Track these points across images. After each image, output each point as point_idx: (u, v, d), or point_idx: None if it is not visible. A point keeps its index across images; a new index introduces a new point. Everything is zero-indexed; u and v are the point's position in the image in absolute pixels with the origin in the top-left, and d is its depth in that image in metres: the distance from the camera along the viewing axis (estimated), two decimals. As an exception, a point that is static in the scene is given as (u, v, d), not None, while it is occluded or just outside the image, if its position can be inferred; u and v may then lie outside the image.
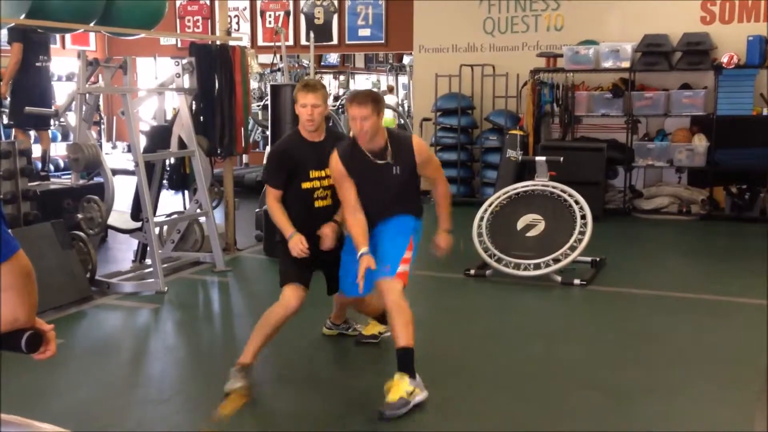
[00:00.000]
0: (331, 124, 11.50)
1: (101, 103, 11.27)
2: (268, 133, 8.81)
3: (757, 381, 3.51)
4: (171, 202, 7.08)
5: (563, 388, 3.56)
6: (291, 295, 3.47)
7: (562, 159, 5.98)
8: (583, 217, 5.50)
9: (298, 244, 3.41)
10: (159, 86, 6.06)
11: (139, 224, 5.48)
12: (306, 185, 3.53)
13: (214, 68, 6.08)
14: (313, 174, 3.54)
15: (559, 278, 5.38)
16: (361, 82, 15.32)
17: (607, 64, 8.17)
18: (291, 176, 3.51)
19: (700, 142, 7.96)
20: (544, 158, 5.99)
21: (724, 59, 7.65)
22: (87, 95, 5.19)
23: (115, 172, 6.49)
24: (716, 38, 7.96)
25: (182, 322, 4.77)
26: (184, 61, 5.82)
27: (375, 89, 14.72)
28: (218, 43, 6.25)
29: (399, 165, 3.42)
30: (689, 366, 3.82)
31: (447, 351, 4.16)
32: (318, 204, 3.57)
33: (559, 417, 3.25)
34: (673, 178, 8.47)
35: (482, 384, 3.65)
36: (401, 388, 3.20)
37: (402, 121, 13.62)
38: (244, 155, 10.62)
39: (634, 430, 3.13)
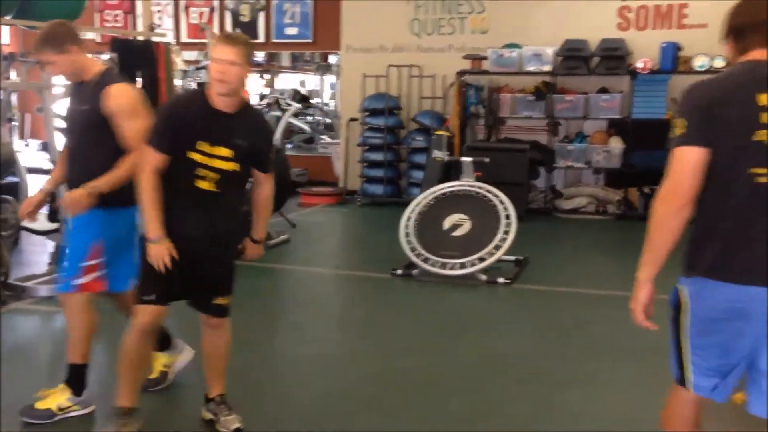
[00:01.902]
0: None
1: (13, 99, 10.81)
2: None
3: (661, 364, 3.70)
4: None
5: (492, 380, 3.66)
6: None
7: (488, 160, 6.12)
8: (508, 216, 5.63)
9: (162, 255, 2.76)
10: (78, 82, 5.85)
11: (56, 225, 5.28)
12: (192, 156, 2.76)
13: (137, 64, 5.93)
14: (203, 147, 2.77)
15: (484, 277, 5.49)
16: (287, 80, 15.20)
17: (530, 68, 8.39)
18: (176, 145, 2.76)
19: (617, 145, 8.28)
20: (470, 159, 6.10)
21: (639, 65, 7.98)
22: (2, 91, 4.97)
23: (29, 171, 6.25)
24: (632, 44, 8.29)
25: (103, 326, 4.61)
26: (106, 56, 5.65)
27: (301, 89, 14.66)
28: (141, 39, 6.09)
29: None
30: (608, 356, 3.99)
31: (376, 349, 4.20)
32: (200, 185, 2.79)
33: (489, 408, 3.34)
34: (591, 179, 8.77)
35: (413, 380, 3.70)
36: (56, 399, 3.14)
37: (329, 121, 13.62)
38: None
39: (562, 416, 3.24)
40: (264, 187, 3.03)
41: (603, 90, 8.44)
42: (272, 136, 3.10)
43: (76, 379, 3.21)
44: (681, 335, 2.19)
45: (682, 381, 2.21)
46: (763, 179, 1.97)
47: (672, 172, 2.03)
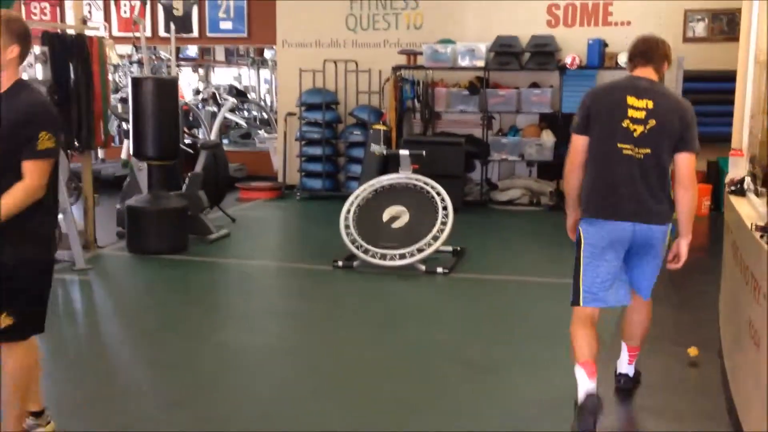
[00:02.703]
0: (191, 117, 11.33)
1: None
2: (127, 126, 8.52)
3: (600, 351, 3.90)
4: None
5: (433, 365, 3.79)
6: None
7: (424, 153, 6.26)
8: (445, 208, 5.79)
9: None
10: (8, 76, 5.71)
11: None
12: None
13: (69, 58, 5.84)
14: None
15: (423, 267, 5.64)
16: (222, 75, 15.06)
17: (464, 63, 8.58)
18: None
19: (548, 138, 8.56)
20: (407, 152, 6.23)
21: (568, 60, 8.27)
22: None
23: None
24: (561, 41, 8.57)
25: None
26: (37, 50, 5.54)
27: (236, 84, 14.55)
28: (73, 32, 5.99)
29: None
30: (541, 340, 4.18)
31: (320, 339, 4.29)
32: None
33: (429, 391, 3.48)
34: (525, 172, 9.04)
35: (355, 367, 3.80)
36: None
37: (265, 116, 13.57)
38: (99, 150, 10.20)
39: (497, 396, 3.40)
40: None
41: (534, 85, 8.71)
42: (38, 119, 2.55)
43: None
44: (580, 263, 3.10)
45: (577, 302, 3.13)
46: (627, 152, 3.03)
47: (570, 150, 3.18)
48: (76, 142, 5.97)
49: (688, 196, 3.07)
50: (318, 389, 3.53)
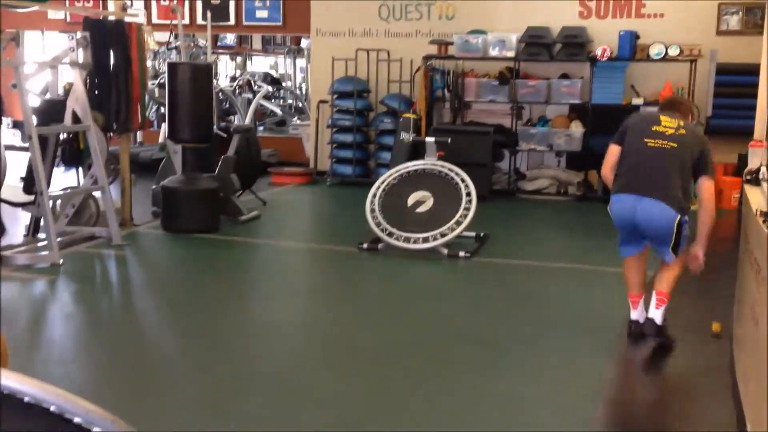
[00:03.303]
0: (227, 104, 11.58)
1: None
2: (164, 110, 8.78)
3: (608, 333, 4.01)
4: (63, 179, 7.01)
5: (445, 343, 3.93)
6: None
7: (449, 140, 6.38)
8: (468, 194, 5.90)
9: None
10: (52, 60, 5.99)
11: (31, 197, 5.44)
12: None
13: (109, 44, 6.08)
14: None
15: (445, 251, 5.76)
16: (259, 63, 15.31)
17: (494, 53, 8.66)
18: None
19: (577, 128, 8.59)
20: (433, 139, 6.36)
21: (599, 52, 8.29)
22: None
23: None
24: (592, 32, 8.59)
25: (80, 293, 4.83)
26: (79, 35, 5.79)
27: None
28: (113, 18, 6.23)
29: None
30: (555, 322, 4.28)
31: (340, 315, 4.45)
32: None
33: (439, 366, 3.61)
34: (553, 162, 9.09)
35: (372, 342, 3.96)
36: None
37: (300, 104, 13.79)
38: (138, 134, 10.52)
39: (506, 374, 3.51)
40: None
41: (564, 76, 8.75)
42: None
43: None
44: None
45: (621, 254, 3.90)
46: (654, 144, 3.72)
47: (607, 155, 3.93)
48: (114, 125, 6.22)
49: (706, 214, 3.73)
50: (333, 360, 3.70)
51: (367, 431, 2.88)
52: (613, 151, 3.86)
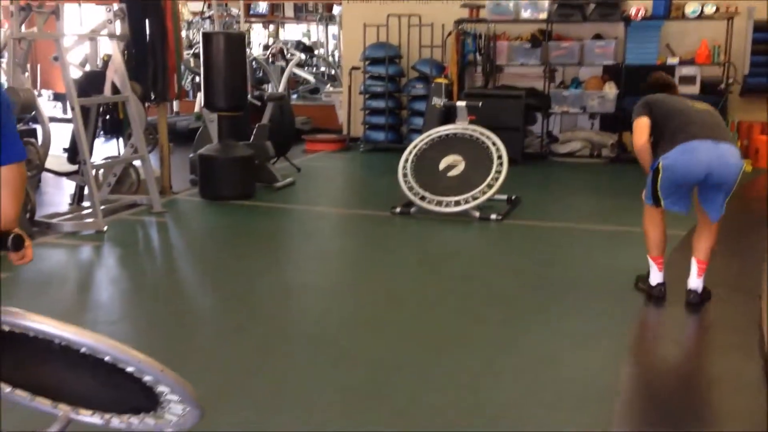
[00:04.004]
0: (260, 73, 11.68)
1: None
2: (199, 80, 8.90)
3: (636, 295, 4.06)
4: (104, 149, 7.22)
5: (474, 303, 4.03)
6: None
7: (480, 104, 6.40)
8: (500, 157, 5.95)
9: None
10: (91, 32, 6.14)
11: (75, 167, 5.64)
12: None
13: (145, 15, 6.20)
14: None
15: (477, 214, 5.84)
16: (291, 31, 15.35)
17: (526, 15, 8.59)
18: None
19: (611, 90, 8.52)
20: (464, 103, 6.39)
21: (633, 11, 8.17)
22: (20, 40, 5.27)
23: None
24: (626, -9, 8.46)
25: (125, 257, 5.03)
26: (116, 7, 5.92)
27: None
28: (148, -11, 6.34)
29: None
30: (586, 283, 4.34)
31: (373, 277, 4.58)
32: None
33: (467, 326, 3.71)
34: (586, 124, 9.04)
35: (404, 302, 4.08)
36: None
37: (333, 71, 13.83)
38: (174, 103, 10.71)
39: (536, 333, 3.61)
40: None
41: (597, 37, 8.65)
42: None
43: None
44: (657, 184, 3.73)
45: (657, 203, 3.80)
46: (692, 104, 3.86)
47: (639, 127, 3.82)
48: (152, 95, 6.38)
49: None
50: (365, 320, 3.82)
51: (400, 388, 3.01)
52: (644, 122, 3.79)
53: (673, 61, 8.17)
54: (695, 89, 8.05)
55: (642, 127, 3.81)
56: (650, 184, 3.80)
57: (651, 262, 3.93)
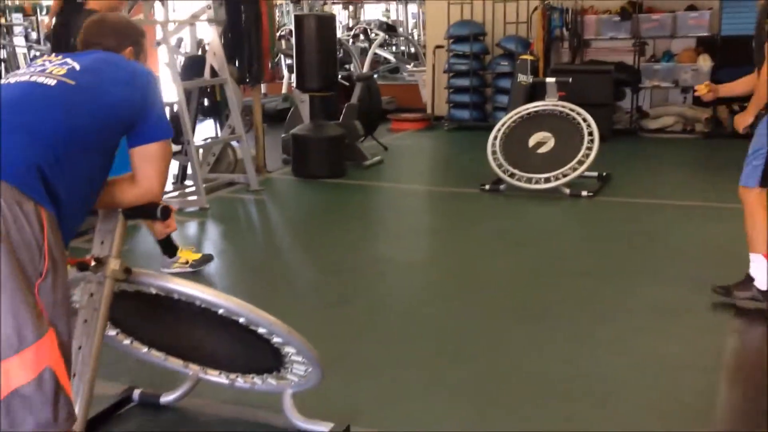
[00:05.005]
0: (341, 53, 11.85)
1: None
2: (288, 61, 9.14)
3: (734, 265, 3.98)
4: (200, 130, 7.54)
5: (563, 278, 4.04)
6: None
7: (570, 79, 6.35)
8: (590, 134, 5.90)
9: None
10: (191, 17, 6.41)
11: (179, 147, 5.93)
12: None
13: (240, 0, 6.42)
14: None
15: (567, 190, 5.83)
16: (371, 10, 15.47)
17: (615, -12, 8.41)
18: None
19: (705, 63, 8.26)
20: (553, 80, 6.36)
21: (729, -20, 7.88)
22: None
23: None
24: (722, -41, 8.16)
25: (228, 233, 5.29)
26: (212, -7, 6.16)
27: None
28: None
29: None
30: (680, 255, 4.31)
31: (462, 252, 4.67)
32: None
33: (555, 301, 3.72)
34: (679, 98, 8.80)
35: (491, 276, 4.16)
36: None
37: (413, 50, 13.87)
38: (262, 85, 10.99)
39: (622, 309, 3.60)
40: None
41: (691, 8, 8.39)
42: None
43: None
44: None
45: (765, 183, 3.29)
46: None
47: None
48: (247, 77, 6.61)
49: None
50: (454, 293, 3.90)
51: (492, 356, 3.11)
52: None
53: (772, 31, 7.85)
54: (796, 60, 7.71)
55: None
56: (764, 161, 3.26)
57: (761, 260, 3.32)
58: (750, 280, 3.39)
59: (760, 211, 3.33)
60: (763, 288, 3.34)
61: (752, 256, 3.37)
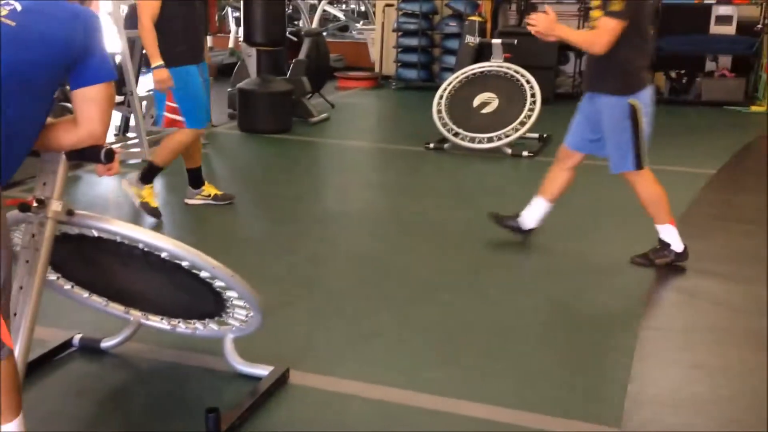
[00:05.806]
0: (290, 8, 11.67)
1: None
2: (237, 15, 8.97)
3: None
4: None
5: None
6: None
7: (516, 41, 6.45)
8: (533, 95, 6.04)
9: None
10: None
11: (122, 98, 5.83)
12: None
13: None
14: None
15: (509, 150, 5.97)
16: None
17: (563, -48, 8.50)
18: None
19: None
20: (499, 41, 6.45)
21: (672, -51, 8.05)
22: None
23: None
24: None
25: (173, 184, 5.25)
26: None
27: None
28: None
29: None
30: (610, 211, 4.51)
31: (408, 206, 4.77)
32: None
33: (493, 253, 3.92)
34: (620, 65, 8.99)
35: (447, 228, 4.28)
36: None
37: (363, 8, 13.77)
38: (208, 38, 10.78)
39: (560, 257, 3.79)
40: None
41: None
42: None
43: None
44: (640, 132, 3.43)
45: (641, 165, 3.50)
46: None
47: (613, 29, 3.34)
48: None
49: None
50: (403, 243, 4.03)
51: (440, 300, 3.24)
52: (621, 26, 3.32)
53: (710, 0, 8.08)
54: (731, 29, 7.99)
55: (617, 28, 3.32)
56: (633, 136, 3.43)
57: (670, 228, 3.59)
58: (666, 245, 3.63)
59: (651, 188, 3.56)
60: (680, 250, 3.61)
61: (659, 227, 3.62)
